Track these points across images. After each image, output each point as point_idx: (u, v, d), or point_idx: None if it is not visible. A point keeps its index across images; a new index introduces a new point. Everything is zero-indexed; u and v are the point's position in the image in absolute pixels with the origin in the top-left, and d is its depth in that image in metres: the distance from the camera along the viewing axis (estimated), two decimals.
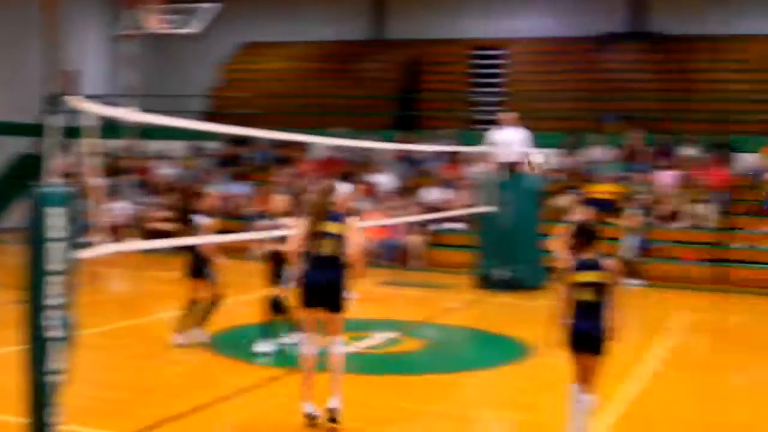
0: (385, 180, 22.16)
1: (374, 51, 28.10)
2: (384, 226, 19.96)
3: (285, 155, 24.34)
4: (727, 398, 9.49)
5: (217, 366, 10.17)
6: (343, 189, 7.97)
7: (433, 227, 20.78)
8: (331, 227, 7.72)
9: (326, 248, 7.70)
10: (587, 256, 7.16)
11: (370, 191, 21.46)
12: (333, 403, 7.66)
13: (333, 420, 7.63)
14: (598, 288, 7.01)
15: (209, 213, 11.17)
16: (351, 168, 23.66)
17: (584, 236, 7.26)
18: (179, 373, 9.80)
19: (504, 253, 16.48)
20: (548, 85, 25.37)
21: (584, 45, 25.71)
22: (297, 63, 28.37)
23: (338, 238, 7.71)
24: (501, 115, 17.17)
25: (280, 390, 9.07)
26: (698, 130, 22.00)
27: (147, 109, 8.42)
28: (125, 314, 13.62)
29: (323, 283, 7.70)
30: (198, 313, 10.92)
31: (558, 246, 12.84)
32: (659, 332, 12.68)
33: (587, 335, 7.01)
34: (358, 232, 7.78)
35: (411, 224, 20.18)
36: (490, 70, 26.42)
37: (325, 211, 7.77)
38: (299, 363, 7.89)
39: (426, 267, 19.87)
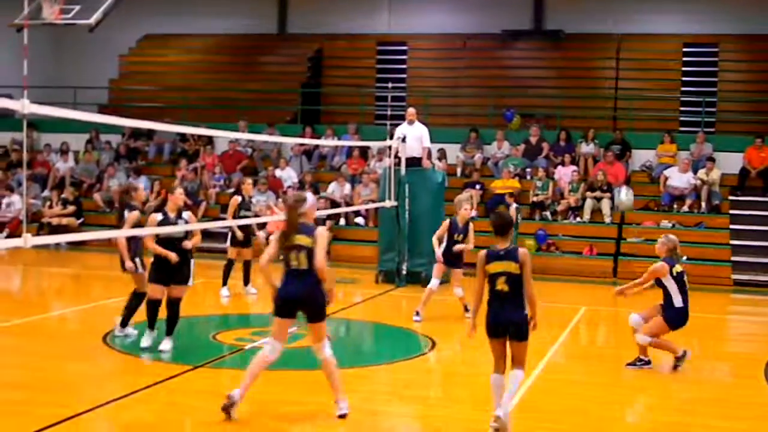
0: (288, 174, 22.05)
1: (278, 45, 27.94)
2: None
3: (187, 149, 24.02)
4: (617, 388, 9.72)
5: (116, 364, 9.97)
6: (310, 200, 8.10)
7: (337, 222, 20.78)
8: (302, 240, 7.80)
9: (299, 261, 7.79)
10: (502, 246, 7.41)
11: (274, 186, 21.32)
12: (342, 409, 7.93)
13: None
14: (511, 277, 7.27)
15: (141, 208, 11.23)
16: (254, 162, 23.50)
17: (499, 227, 7.47)
18: (77, 372, 9.57)
19: (407, 248, 16.57)
20: (450, 81, 25.61)
21: (486, 42, 26.01)
22: (199, 56, 27.98)
23: (309, 250, 7.78)
24: (407, 111, 17.23)
25: (178, 387, 8.94)
26: (596, 127, 22.51)
27: (44, 101, 8.19)
28: (20, 312, 13.24)
29: (297, 296, 7.81)
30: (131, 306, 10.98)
31: (435, 240, 13.05)
32: (555, 324, 12.90)
33: (505, 323, 7.35)
34: (322, 242, 7.85)
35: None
36: (393, 66, 26.52)
37: (297, 224, 7.84)
38: (253, 360, 8.01)
39: (330, 261, 19.82)
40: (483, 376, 9.13)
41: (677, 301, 10.07)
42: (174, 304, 10.30)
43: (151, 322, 10.40)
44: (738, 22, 24.23)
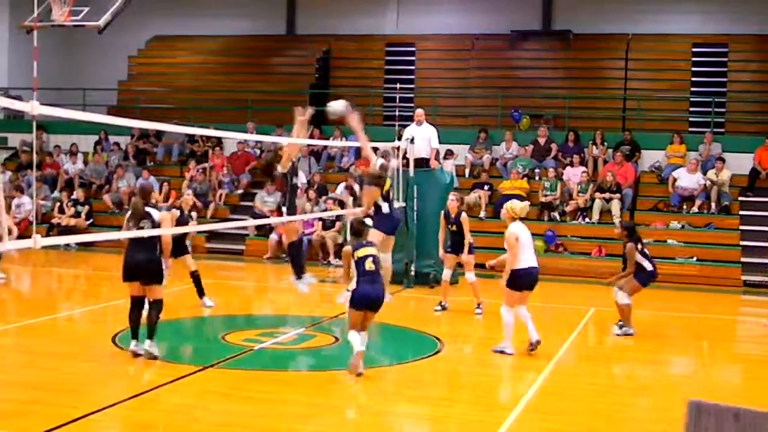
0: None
1: (286, 46, 27.97)
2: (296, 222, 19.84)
3: (196, 150, 24.06)
4: (626, 389, 9.70)
5: (126, 364, 9.98)
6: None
7: (345, 222, 20.78)
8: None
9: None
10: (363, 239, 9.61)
11: (282, 187, 21.29)
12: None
13: None
14: (375, 258, 9.46)
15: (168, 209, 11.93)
16: (262, 163, 23.52)
17: (359, 232, 9.58)
18: (86, 372, 9.59)
19: (416, 249, 16.56)
20: (459, 82, 25.60)
21: (495, 42, 26.00)
22: (208, 57, 28.04)
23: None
24: (416, 112, 17.24)
25: (188, 388, 8.95)
26: (606, 127, 22.46)
27: (54, 103, 8.22)
28: (30, 312, 13.28)
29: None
30: None
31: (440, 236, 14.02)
32: (564, 325, 12.89)
33: (376, 297, 9.45)
34: None
35: (323, 220, 20.15)
36: (401, 67, 26.52)
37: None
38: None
39: (338, 262, 19.84)
40: (491, 377, 9.15)
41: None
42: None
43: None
44: (748, 22, 24.15)
